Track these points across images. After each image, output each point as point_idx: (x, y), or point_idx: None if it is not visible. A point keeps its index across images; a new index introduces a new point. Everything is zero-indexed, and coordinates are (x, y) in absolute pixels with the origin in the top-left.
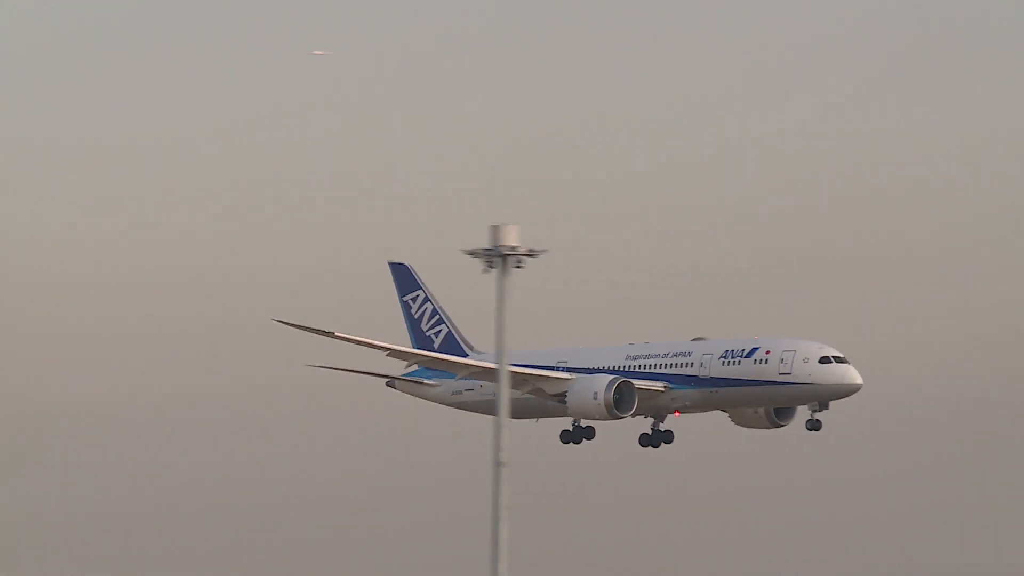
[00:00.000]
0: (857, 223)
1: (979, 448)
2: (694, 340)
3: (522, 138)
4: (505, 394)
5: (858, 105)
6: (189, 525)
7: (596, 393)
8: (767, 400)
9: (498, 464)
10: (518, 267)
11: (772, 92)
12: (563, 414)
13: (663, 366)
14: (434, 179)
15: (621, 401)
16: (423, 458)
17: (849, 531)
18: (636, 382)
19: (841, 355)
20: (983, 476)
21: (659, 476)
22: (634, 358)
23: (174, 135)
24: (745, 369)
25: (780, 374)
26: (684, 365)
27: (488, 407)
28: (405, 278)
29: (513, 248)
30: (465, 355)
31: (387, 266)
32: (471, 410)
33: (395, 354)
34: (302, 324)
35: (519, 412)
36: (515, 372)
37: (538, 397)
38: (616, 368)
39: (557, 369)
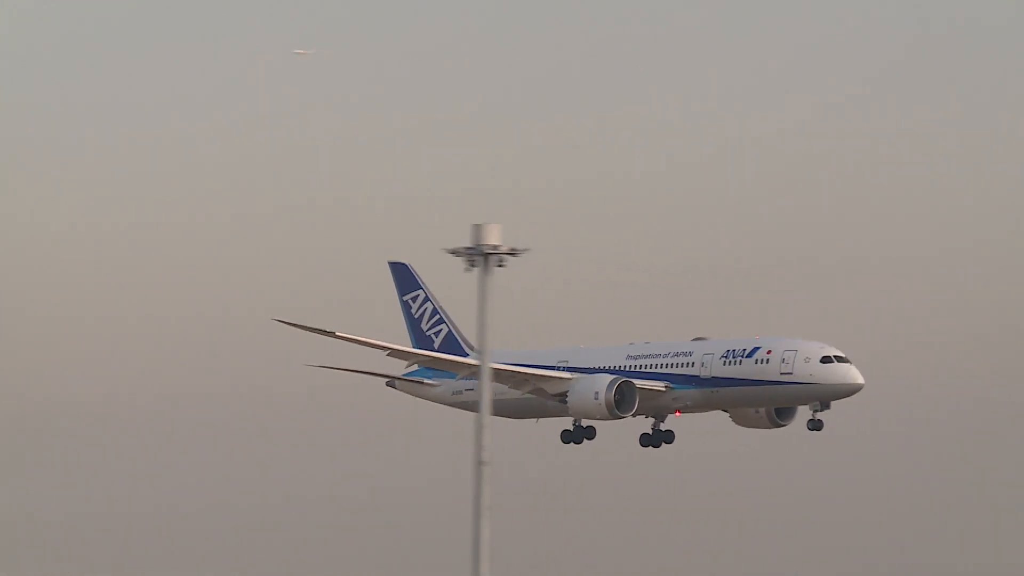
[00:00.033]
0: (857, 223)
1: (979, 448)
2: (695, 340)
3: (523, 138)
4: (487, 393)
5: (858, 105)
6: (189, 525)
7: (597, 393)
8: (768, 400)
9: (480, 463)
10: (500, 266)
11: (772, 92)
12: (564, 414)
13: (664, 366)
14: (434, 179)
15: (622, 401)
16: (423, 458)
17: (849, 531)
18: (637, 382)
19: (843, 355)
20: (983, 476)
21: (660, 476)
22: (635, 358)
23: (174, 135)
24: (746, 369)
25: (781, 374)
26: (685, 365)
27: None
28: (405, 278)
29: (495, 247)
30: (465, 355)
31: (387, 266)
32: (471, 410)
33: (395, 354)
34: (302, 324)
35: (520, 412)
36: (516, 372)
37: (539, 397)
38: (617, 368)
39: (558, 369)
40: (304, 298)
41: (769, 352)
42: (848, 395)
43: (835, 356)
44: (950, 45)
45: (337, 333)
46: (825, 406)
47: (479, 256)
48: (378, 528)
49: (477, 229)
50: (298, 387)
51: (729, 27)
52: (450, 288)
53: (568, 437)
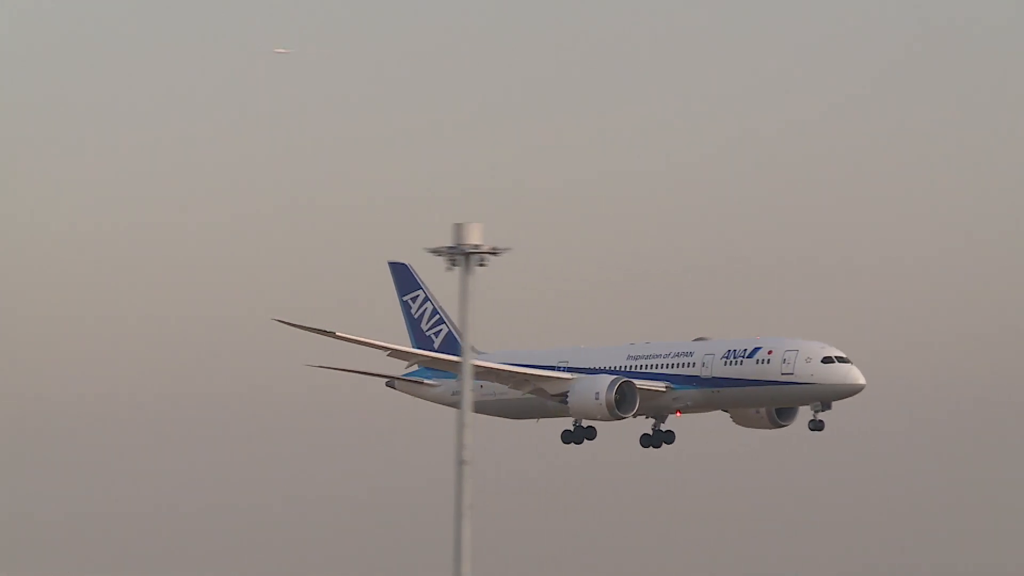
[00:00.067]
0: (858, 223)
1: (979, 448)
2: (696, 340)
3: (523, 138)
4: (468, 392)
5: (858, 105)
6: (189, 525)
7: (598, 393)
8: (769, 400)
9: (461, 463)
10: (481, 265)
11: (772, 92)
12: (564, 414)
13: (664, 366)
14: (435, 179)
15: (623, 401)
16: (423, 458)
17: (850, 531)
18: (638, 382)
19: (844, 355)
20: (983, 476)
21: (660, 476)
22: (635, 358)
23: (174, 135)
24: (747, 369)
25: (782, 374)
26: (686, 365)
27: (488, 407)
28: (405, 278)
29: (476, 246)
30: None
31: (387, 266)
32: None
33: (395, 354)
34: (302, 324)
35: (520, 412)
36: (516, 372)
37: (539, 397)
38: (617, 368)
39: (558, 369)
40: (304, 298)
41: (770, 352)
42: (849, 395)
43: (836, 356)
44: (950, 45)
45: (337, 333)
46: (826, 406)
47: (460, 255)
48: (378, 528)
49: (458, 228)
50: (298, 387)
51: (729, 27)
52: (450, 288)
53: (568, 437)
